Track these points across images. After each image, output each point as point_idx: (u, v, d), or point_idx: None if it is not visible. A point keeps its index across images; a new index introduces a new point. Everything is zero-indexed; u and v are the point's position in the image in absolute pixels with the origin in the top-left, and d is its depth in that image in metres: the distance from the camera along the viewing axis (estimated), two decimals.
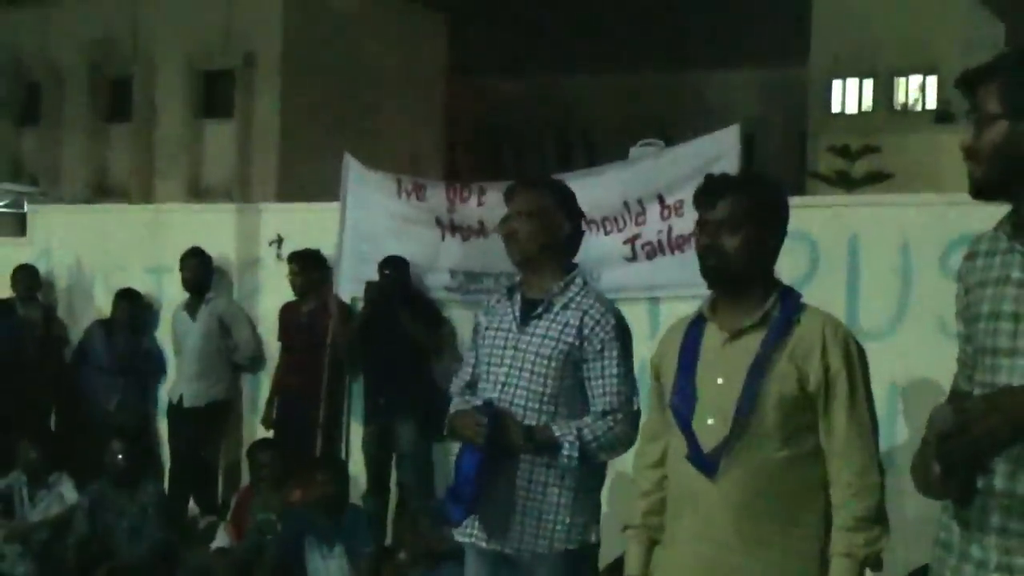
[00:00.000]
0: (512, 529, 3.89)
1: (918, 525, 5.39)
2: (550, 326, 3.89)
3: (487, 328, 4.04)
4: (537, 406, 3.87)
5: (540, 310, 3.92)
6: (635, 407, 3.94)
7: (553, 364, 3.86)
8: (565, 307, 3.91)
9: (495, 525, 3.91)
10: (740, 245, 3.26)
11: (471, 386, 4.12)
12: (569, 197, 4.08)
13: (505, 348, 3.94)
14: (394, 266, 7.37)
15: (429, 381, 7.38)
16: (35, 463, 7.54)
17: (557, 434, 3.81)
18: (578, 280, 3.98)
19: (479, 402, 3.95)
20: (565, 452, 3.79)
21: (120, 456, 7.19)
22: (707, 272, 3.34)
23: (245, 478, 7.80)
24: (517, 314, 3.96)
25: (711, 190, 3.34)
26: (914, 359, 5.90)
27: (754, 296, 3.29)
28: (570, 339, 3.86)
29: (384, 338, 7.34)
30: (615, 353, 3.88)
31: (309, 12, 34.64)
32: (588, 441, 3.82)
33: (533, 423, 3.85)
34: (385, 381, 7.42)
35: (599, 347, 3.86)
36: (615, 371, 3.88)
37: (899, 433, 5.93)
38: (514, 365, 3.90)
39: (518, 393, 3.88)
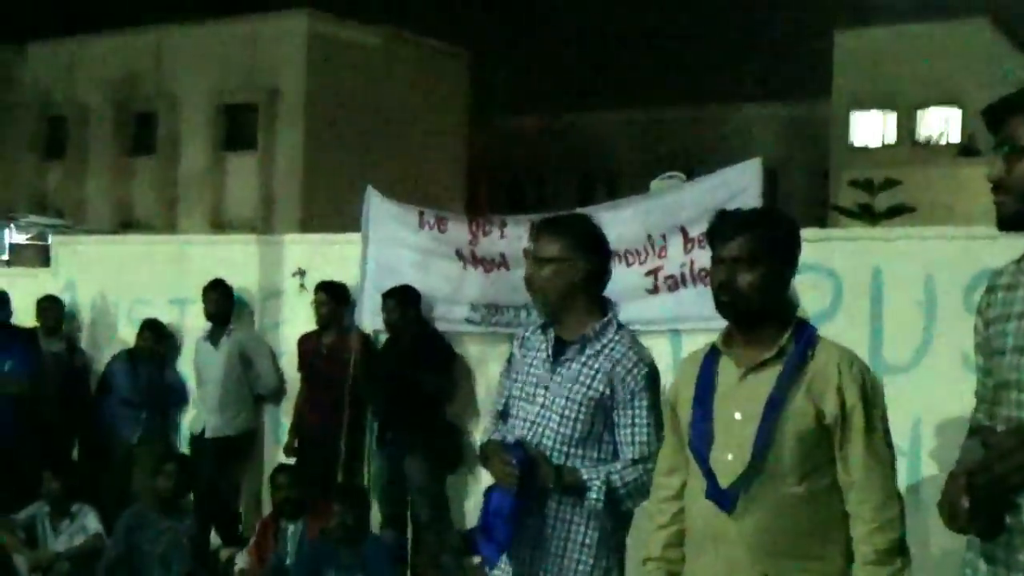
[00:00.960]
0: (537, 565, 3.87)
1: (942, 560, 5.35)
2: (581, 371, 3.85)
3: (519, 361, 4.01)
4: (564, 448, 3.84)
5: (573, 353, 3.88)
6: None
7: (582, 410, 3.82)
8: (598, 352, 3.85)
9: (522, 560, 3.88)
10: (755, 281, 3.26)
11: (503, 416, 4.09)
12: (589, 236, 3.99)
13: (537, 386, 3.91)
14: (400, 298, 7.38)
15: (440, 416, 7.38)
16: (58, 494, 7.56)
17: (585, 477, 3.78)
18: (613, 324, 3.92)
19: (511, 438, 3.92)
20: (593, 496, 3.77)
21: (172, 480, 7.23)
22: (723, 308, 3.34)
23: (267, 509, 7.80)
24: (550, 352, 3.92)
25: (726, 227, 3.34)
26: (938, 393, 5.87)
27: (769, 330, 3.29)
28: (601, 387, 3.82)
29: (392, 373, 7.35)
30: (645, 403, 3.84)
31: (332, 48, 34.89)
32: (616, 487, 3.79)
33: (561, 463, 3.82)
34: (393, 415, 7.43)
35: (629, 396, 3.82)
36: (645, 420, 3.83)
37: (923, 467, 5.89)
38: (544, 405, 3.87)
39: (546, 434, 3.85)
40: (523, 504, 3.77)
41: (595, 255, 3.96)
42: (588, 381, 3.83)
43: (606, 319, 3.92)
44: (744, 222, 3.33)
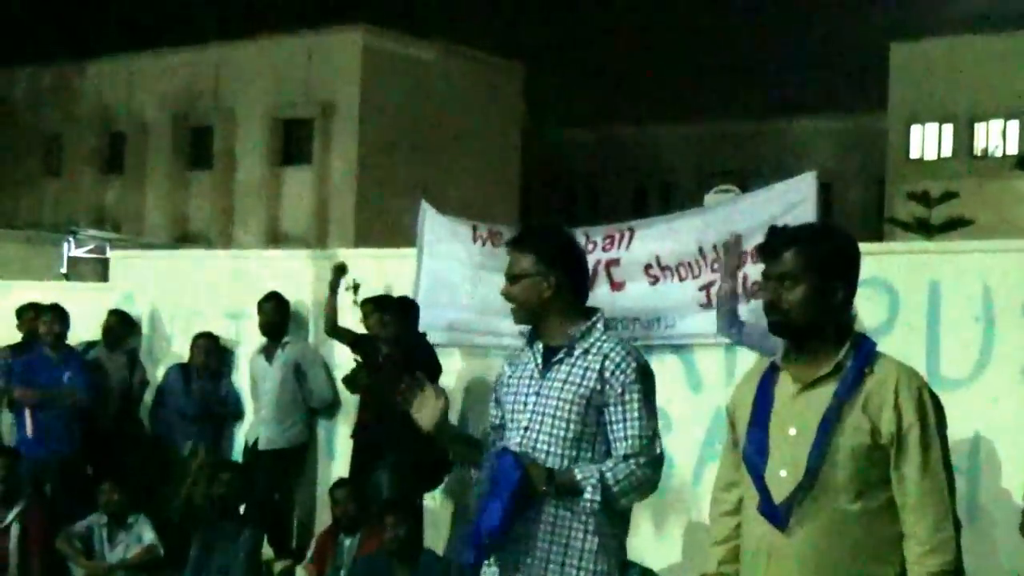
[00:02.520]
0: (530, 571, 3.84)
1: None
2: (571, 371, 3.89)
3: (510, 377, 4.04)
4: (560, 450, 3.85)
5: (561, 355, 3.92)
6: (658, 451, 3.90)
7: (575, 408, 3.85)
8: (586, 352, 3.90)
9: (507, 565, 3.87)
10: (801, 299, 3.23)
11: (497, 430, 4.09)
12: (559, 249, 4.04)
13: (528, 394, 3.93)
14: (395, 311, 7.44)
15: (414, 429, 7.36)
16: (118, 505, 7.64)
17: (579, 477, 3.78)
18: (599, 325, 3.96)
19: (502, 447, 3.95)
20: (588, 496, 3.75)
21: (226, 488, 7.28)
22: (771, 326, 3.33)
23: (319, 521, 7.82)
24: (539, 361, 3.96)
25: (772, 243, 3.33)
26: (996, 408, 5.80)
27: (826, 346, 3.26)
28: (591, 383, 3.85)
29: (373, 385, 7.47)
30: (637, 396, 3.85)
31: (386, 63, 35.11)
32: (610, 485, 3.77)
33: (556, 467, 3.83)
34: (374, 427, 7.52)
35: (620, 391, 3.84)
36: (637, 414, 3.84)
37: (981, 483, 5.82)
38: (536, 410, 3.89)
39: (540, 437, 3.87)
40: (513, 509, 3.74)
41: (566, 267, 4.00)
42: (578, 380, 3.86)
43: (591, 322, 3.95)
44: (789, 239, 3.31)
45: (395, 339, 7.42)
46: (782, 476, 3.20)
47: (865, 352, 3.25)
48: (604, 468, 3.80)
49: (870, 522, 3.16)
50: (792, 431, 3.22)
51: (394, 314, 7.43)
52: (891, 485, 3.17)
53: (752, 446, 3.29)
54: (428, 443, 7.39)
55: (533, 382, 3.94)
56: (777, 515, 3.18)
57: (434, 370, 7.38)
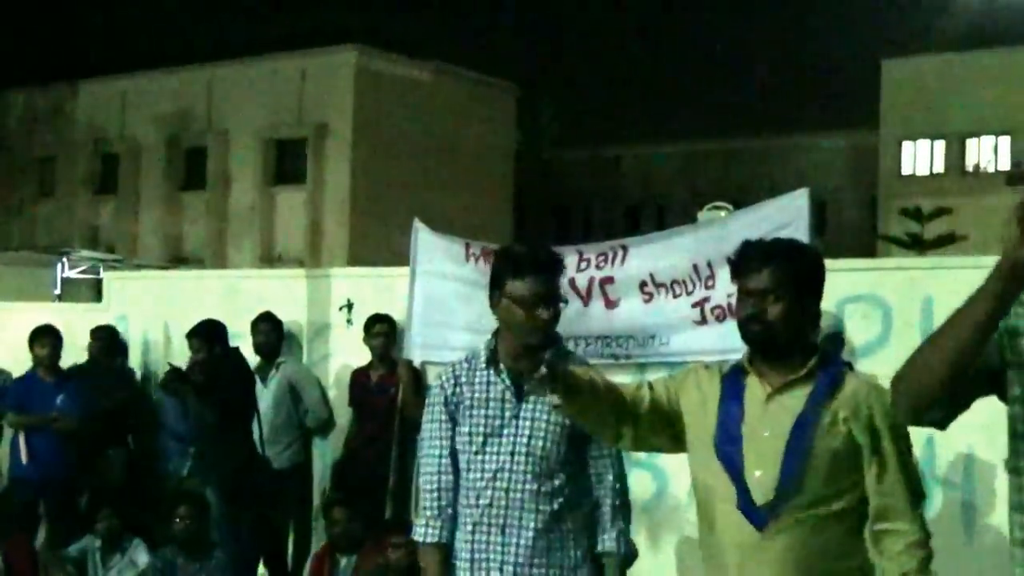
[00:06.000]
0: None
1: None
2: None
3: (473, 398, 4.00)
4: (548, 470, 3.90)
5: None
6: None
7: (567, 432, 3.90)
8: None
9: None
10: (784, 313, 3.29)
11: (449, 457, 4.07)
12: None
13: (504, 419, 3.93)
14: (199, 338, 7.81)
15: (243, 442, 7.63)
16: (114, 529, 7.59)
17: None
18: (568, 344, 4.09)
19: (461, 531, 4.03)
20: None
21: (186, 522, 7.23)
22: (751, 340, 3.37)
23: (315, 542, 7.79)
24: (508, 383, 3.96)
25: (752, 258, 3.38)
26: (989, 424, 5.79)
27: (794, 356, 3.33)
28: None
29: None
30: None
31: (380, 84, 35.21)
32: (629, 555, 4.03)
33: (547, 488, 3.88)
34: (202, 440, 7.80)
35: None
36: None
37: (976, 499, 5.82)
38: (520, 435, 3.90)
39: (530, 460, 3.89)
40: None
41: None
42: None
43: (559, 345, 4.01)
44: (770, 253, 3.37)
45: (204, 363, 7.74)
46: (757, 476, 3.23)
47: (835, 364, 3.40)
48: (608, 551, 4.01)
49: (846, 525, 3.23)
50: (766, 433, 3.26)
51: (200, 339, 7.76)
52: (860, 487, 3.23)
53: (728, 442, 3.31)
54: (244, 467, 7.63)
55: (509, 406, 3.93)
56: (757, 516, 3.21)
57: (246, 388, 7.72)
